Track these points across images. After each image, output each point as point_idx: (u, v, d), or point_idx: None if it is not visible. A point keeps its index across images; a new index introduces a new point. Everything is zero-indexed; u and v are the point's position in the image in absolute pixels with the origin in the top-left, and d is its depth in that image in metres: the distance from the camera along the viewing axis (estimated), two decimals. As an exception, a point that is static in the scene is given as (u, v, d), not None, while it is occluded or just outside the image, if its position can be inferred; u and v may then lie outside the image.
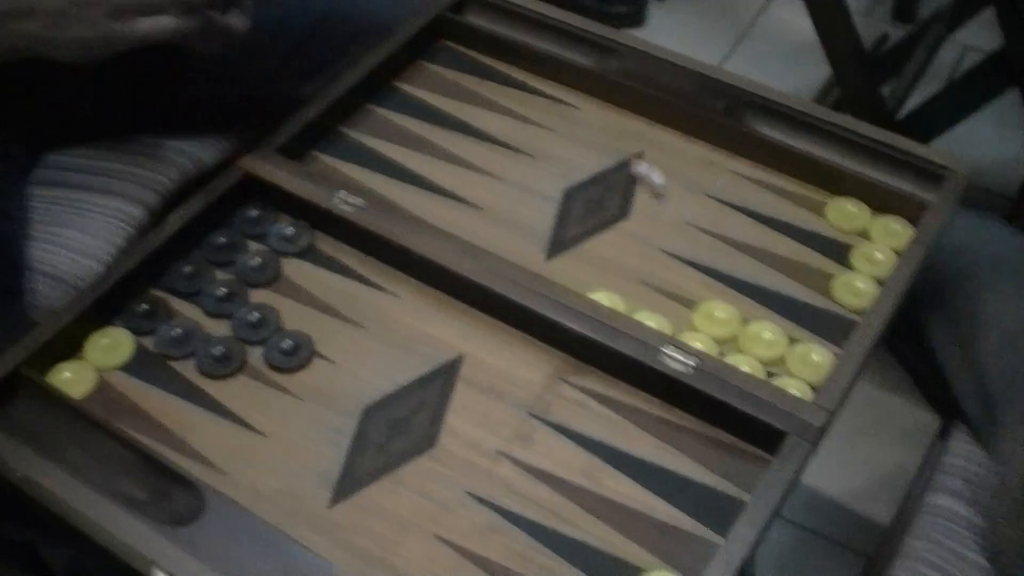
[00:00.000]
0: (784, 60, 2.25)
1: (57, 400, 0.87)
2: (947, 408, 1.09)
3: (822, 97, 2.02)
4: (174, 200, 1.24)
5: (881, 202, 1.01)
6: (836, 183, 1.03)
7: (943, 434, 1.07)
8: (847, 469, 1.60)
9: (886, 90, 1.69)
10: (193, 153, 1.29)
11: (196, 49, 1.01)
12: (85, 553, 1.25)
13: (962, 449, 1.03)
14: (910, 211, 1.00)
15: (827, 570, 1.50)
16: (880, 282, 0.95)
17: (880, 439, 1.63)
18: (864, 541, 1.53)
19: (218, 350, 0.91)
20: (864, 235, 1.00)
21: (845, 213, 1.01)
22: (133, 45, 0.95)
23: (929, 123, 1.62)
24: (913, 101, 1.79)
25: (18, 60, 0.97)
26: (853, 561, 1.51)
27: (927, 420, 1.60)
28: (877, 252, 0.98)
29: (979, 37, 2.19)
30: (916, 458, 1.59)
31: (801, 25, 2.31)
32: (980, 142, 0.99)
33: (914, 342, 1.10)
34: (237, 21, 1.02)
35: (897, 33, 2.16)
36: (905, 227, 1.00)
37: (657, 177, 0.86)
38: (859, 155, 1.03)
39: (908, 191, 1.01)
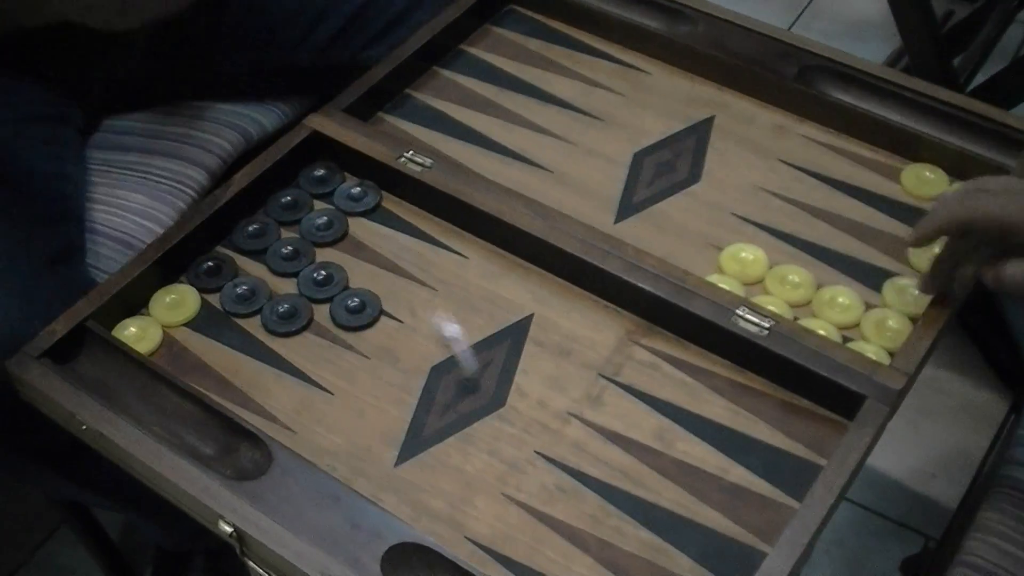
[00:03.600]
0: (843, 38, 2.21)
1: (123, 354, 0.86)
2: (1020, 381, 1.07)
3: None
4: (236, 166, 1.24)
5: (959, 168, 0.99)
6: (912, 149, 1.01)
7: (1017, 407, 1.05)
8: (908, 449, 1.57)
9: (954, 65, 1.66)
10: (255, 118, 1.29)
11: None
12: (141, 516, 1.26)
13: (1037, 422, 1.00)
14: (989, 177, 0.97)
15: (885, 549, 1.48)
16: (958, 249, 0.93)
17: (942, 420, 1.60)
18: (923, 521, 1.51)
19: (284, 307, 0.91)
20: (941, 201, 0.98)
21: (921, 179, 0.99)
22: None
23: (998, 97, 1.59)
24: (980, 79, 1.76)
25: (66, 25, 0.98)
26: (911, 540, 1.49)
27: (991, 401, 1.58)
28: (955, 219, 0.95)
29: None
30: (979, 439, 1.58)
31: (860, 2, 2.29)
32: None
33: (986, 312, 1.08)
34: None
35: (961, 11, 2.13)
36: (984, 193, 0.97)
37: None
38: (936, 120, 1.01)
39: (987, 156, 0.98)
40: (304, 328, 0.90)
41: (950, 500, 1.52)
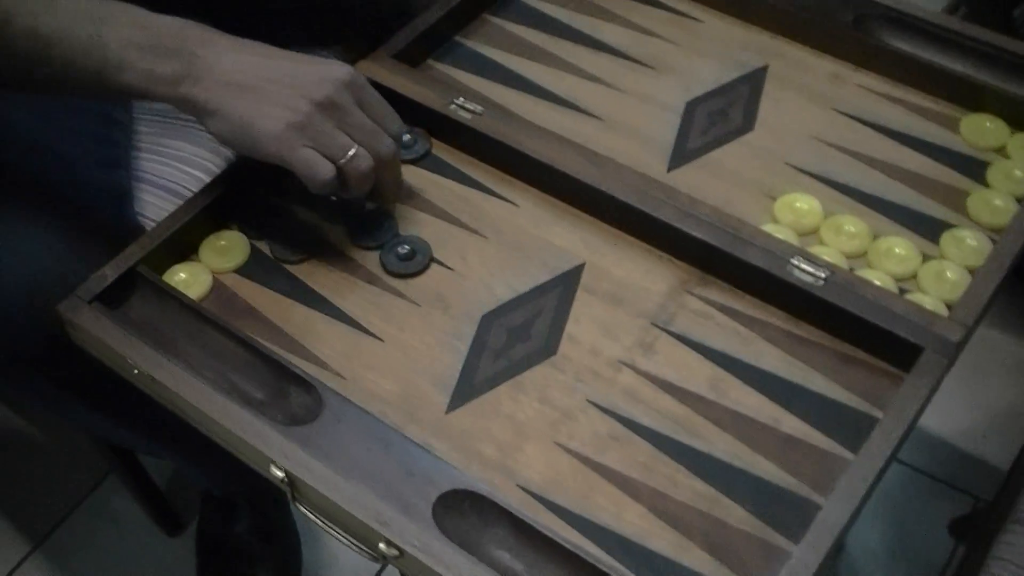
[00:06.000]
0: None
1: (174, 299, 0.86)
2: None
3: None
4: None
5: (1021, 118, 0.97)
6: (971, 98, 0.99)
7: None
8: (959, 409, 1.55)
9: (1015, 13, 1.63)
10: (303, 65, 1.28)
11: None
12: (188, 461, 1.27)
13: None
14: (1052, 127, 0.96)
15: (934, 509, 1.47)
16: (1019, 200, 0.91)
17: (995, 380, 1.58)
18: (973, 482, 1.49)
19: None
20: (1001, 152, 0.96)
21: (981, 129, 0.97)
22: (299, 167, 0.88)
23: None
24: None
25: None
26: (961, 501, 1.47)
27: (1044, 360, 1.56)
28: (1016, 169, 0.94)
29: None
30: (1031, 398, 1.56)
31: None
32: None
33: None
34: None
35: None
36: (1046, 144, 0.96)
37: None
38: (997, 69, 0.99)
39: (1050, 106, 0.96)
40: (355, 275, 0.90)
41: (1001, 461, 1.50)
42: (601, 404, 0.81)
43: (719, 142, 0.98)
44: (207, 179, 1.14)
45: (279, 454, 0.75)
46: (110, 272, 0.86)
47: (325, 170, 0.85)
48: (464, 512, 0.73)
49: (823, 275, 0.83)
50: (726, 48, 1.06)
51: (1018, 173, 0.93)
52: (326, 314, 0.87)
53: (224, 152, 1.18)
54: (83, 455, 1.56)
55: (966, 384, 1.57)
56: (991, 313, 0.85)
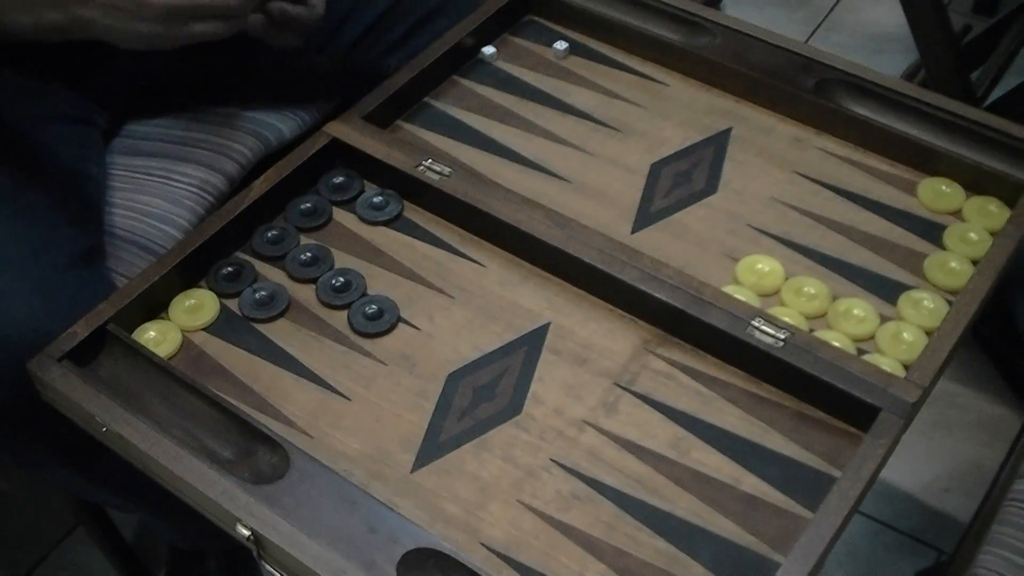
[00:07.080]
0: (861, 51, 2.22)
1: (143, 357, 0.87)
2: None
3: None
4: (254, 171, 1.25)
5: (976, 182, 0.99)
6: (928, 163, 1.01)
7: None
8: (922, 463, 1.57)
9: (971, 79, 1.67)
10: (274, 125, 1.29)
11: (271, 42, 1.03)
12: (156, 516, 1.27)
13: (1052, 437, 1.00)
14: (1006, 192, 0.98)
15: (898, 563, 1.48)
16: (974, 262, 0.93)
17: (957, 434, 1.60)
18: (937, 535, 1.51)
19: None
20: (958, 215, 0.98)
21: (938, 193, 0.99)
22: (188, 43, 0.97)
23: (1016, 112, 1.59)
24: (997, 93, 1.77)
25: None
26: (925, 554, 1.49)
27: (1006, 415, 1.58)
28: (971, 233, 0.96)
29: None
30: (994, 454, 1.58)
31: (878, 16, 2.30)
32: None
33: (1000, 324, 1.08)
34: (306, 12, 1.03)
35: (979, 25, 2.13)
36: (1001, 208, 0.98)
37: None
38: (953, 135, 1.01)
39: (1004, 171, 0.98)
40: (322, 334, 0.91)
41: (964, 514, 1.52)
42: (564, 463, 0.82)
43: (683, 204, 1.00)
44: (180, 236, 1.15)
45: (245, 512, 0.76)
46: (80, 330, 0.87)
47: (217, 28, 0.96)
48: (428, 571, 0.74)
49: (783, 336, 0.85)
50: (691, 111, 1.09)
51: (973, 236, 0.95)
52: (294, 373, 0.89)
53: (197, 209, 1.19)
54: (50, 507, 1.56)
55: (929, 438, 1.59)
56: (953, 368, 0.87)
